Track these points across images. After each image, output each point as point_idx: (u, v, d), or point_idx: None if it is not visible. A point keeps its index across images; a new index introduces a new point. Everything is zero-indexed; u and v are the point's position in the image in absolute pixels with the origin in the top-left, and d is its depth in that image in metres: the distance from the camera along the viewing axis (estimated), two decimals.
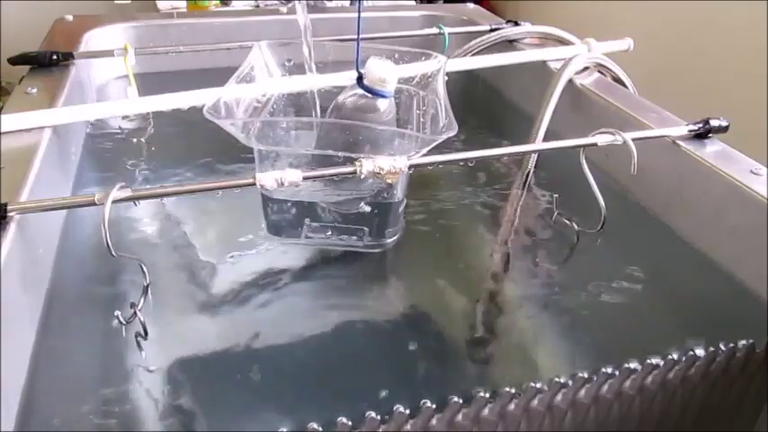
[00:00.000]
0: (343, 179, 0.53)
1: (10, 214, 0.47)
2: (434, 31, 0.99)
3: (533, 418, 0.42)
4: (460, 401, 0.39)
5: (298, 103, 0.64)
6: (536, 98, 0.77)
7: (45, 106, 0.65)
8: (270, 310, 0.53)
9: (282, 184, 0.49)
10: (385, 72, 0.53)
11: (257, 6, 1.53)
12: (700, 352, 0.45)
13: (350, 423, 0.37)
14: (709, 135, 0.64)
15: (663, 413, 0.47)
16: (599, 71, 0.82)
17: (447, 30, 0.98)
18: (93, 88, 0.89)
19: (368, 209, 0.56)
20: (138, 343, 0.48)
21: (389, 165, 0.50)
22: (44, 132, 0.61)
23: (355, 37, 0.56)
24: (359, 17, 0.56)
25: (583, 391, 0.43)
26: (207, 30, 0.99)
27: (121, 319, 0.48)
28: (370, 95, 0.54)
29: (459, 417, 0.40)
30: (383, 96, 0.54)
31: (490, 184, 0.72)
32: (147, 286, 0.50)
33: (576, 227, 0.62)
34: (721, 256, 0.59)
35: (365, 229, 0.58)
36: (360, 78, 0.54)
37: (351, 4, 1.49)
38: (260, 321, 0.52)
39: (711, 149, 0.63)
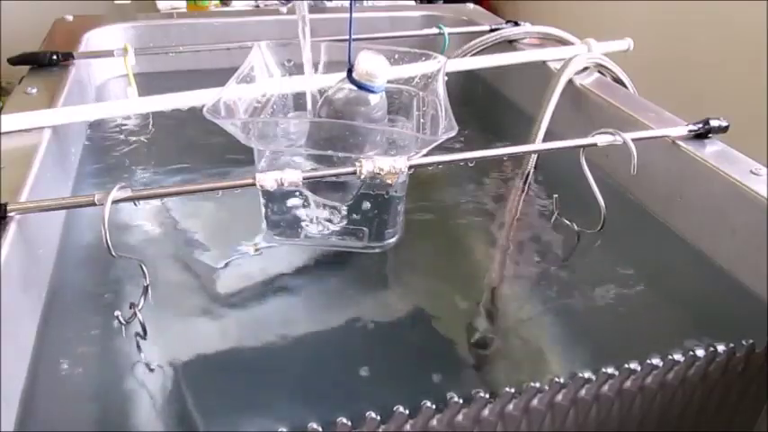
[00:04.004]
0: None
1: (10, 214, 0.47)
2: (434, 31, 0.99)
3: (533, 419, 0.42)
4: (460, 401, 0.39)
5: (298, 103, 0.64)
6: (536, 98, 0.77)
7: (45, 106, 0.65)
8: (269, 310, 0.53)
9: (282, 184, 0.49)
10: (374, 67, 0.52)
11: (257, 6, 1.54)
12: (700, 352, 0.45)
13: (350, 423, 0.37)
14: (709, 135, 0.64)
15: (663, 413, 0.47)
16: (599, 71, 0.82)
17: (447, 30, 0.98)
18: (93, 88, 0.89)
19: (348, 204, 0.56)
20: (138, 343, 0.48)
21: (389, 165, 0.50)
22: (44, 132, 0.61)
23: (355, 37, 0.56)
24: (350, 15, 0.56)
25: (583, 392, 0.43)
26: (207, 30, 0.99)
27: (121, 319, 0.48)
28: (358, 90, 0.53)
29: (460, 417, 0.40)
30: (371, 91, 0.53)
31: (490, 185, 0.72)
32: (147, 286, 0.50)
33: (575, 227, 0.62)
34: (721, 256, 0.59)
35: (365, 229, 0.58)
36: (349, 72, 0.53)
37: None
38: (260, 321, 0.52)
39: (711, 149, 0.63)
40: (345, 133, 0.53)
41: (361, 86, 0.53)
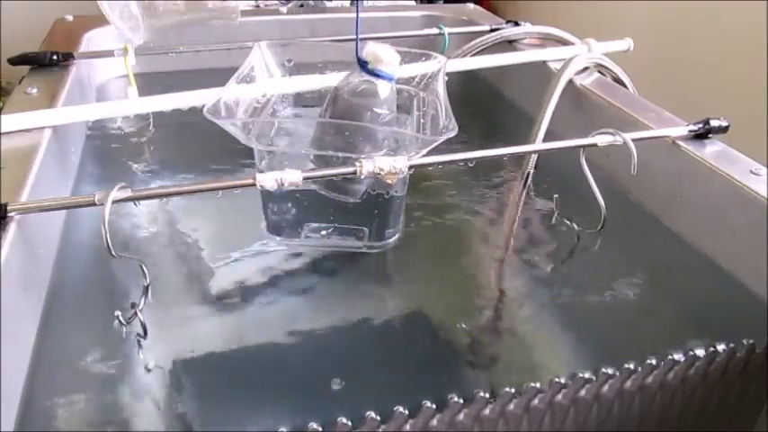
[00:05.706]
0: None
1: (10, 214, 0.47)
2: (434, 31, 0.99)
3: (533, 419, 0.42)
4: (460, 402, 0.39)
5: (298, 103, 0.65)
6: (536, 98, 0.77)
7: (45, 106, 0.65)
8: (269, 311, 0.53)
9: (282, 184, 0.49)
10: (386, 53, 0.53)
11: (257, 6, 1.53)
12: (699, 352, 0.45)
13: (350, 423, 0.37)
14: (709, 135, 0.64)
15: (663, 413, 0.47)
16: (599, 71, 0.83)
17: (447, 30, 0.98)
18: (93, 88, 0.89)
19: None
20: (138, 343, 0.48)
21: (389, 165, 0.50)
22: (44, 132, 0.61)
23: (355, 37, 0.56)
24: (357, 14, 0.56)
25: (583, 392, 0.43)
26: (207, 30, 0.98)
27: (122, 319, 0.48)
28: (369, 81, 0.53)
29: (460, 417, 0.40)
30: (386, 78, 0.53)
31: (490, 185, 0.72)
32: (148, 286, 0.50)
33: (576, 227, 0.62)
34: (721, 256, 0.59)
35: (365, 229, 0.58)
36: (364, 65, 0.53)
37: (351, 4, 1.48)
38: (260, 321, 0.52)
39: (711, 149, 0.63)
40: (345, 133, 0.53)
41: (376, 75, 0.53)
